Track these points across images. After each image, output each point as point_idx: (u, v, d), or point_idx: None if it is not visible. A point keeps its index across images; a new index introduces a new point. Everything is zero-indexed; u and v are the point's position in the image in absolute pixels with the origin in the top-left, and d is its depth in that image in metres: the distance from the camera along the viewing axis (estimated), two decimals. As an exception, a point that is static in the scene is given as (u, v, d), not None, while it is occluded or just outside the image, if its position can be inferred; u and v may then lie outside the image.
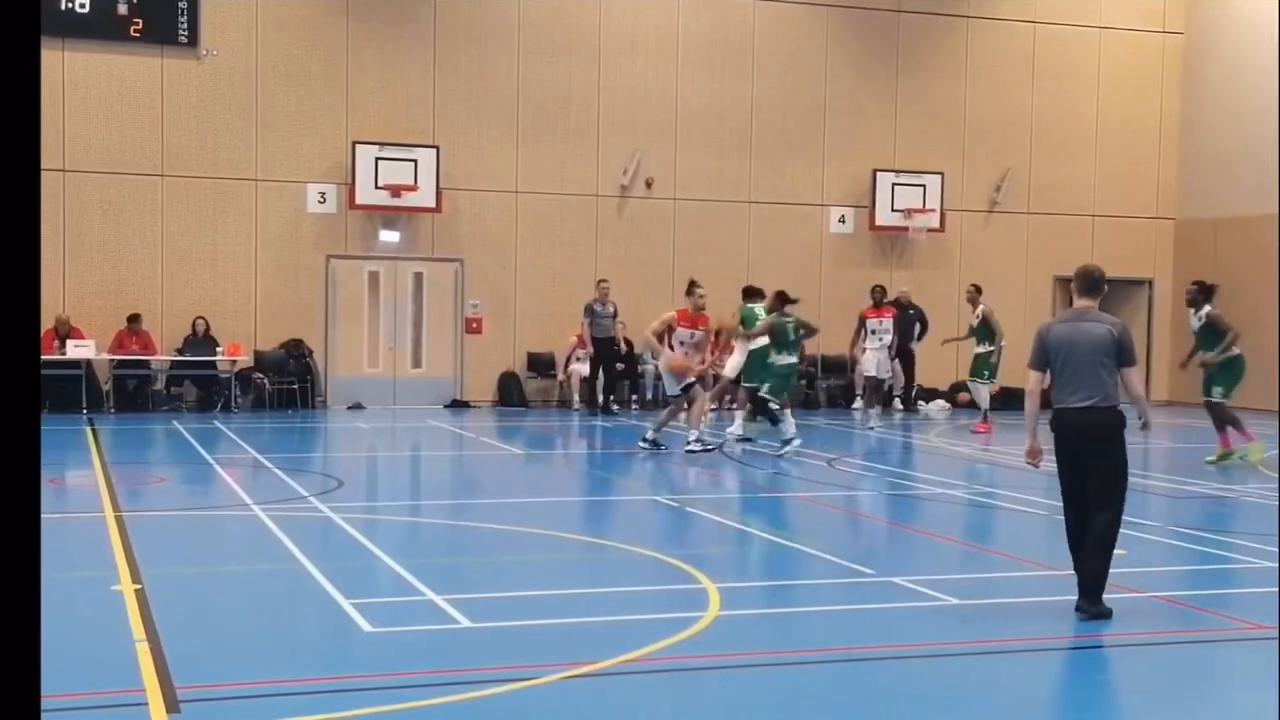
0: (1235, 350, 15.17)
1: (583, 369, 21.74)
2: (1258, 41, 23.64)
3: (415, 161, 21.24)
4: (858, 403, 21.23)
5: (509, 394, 22.08)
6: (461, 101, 21.93)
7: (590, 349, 21.19)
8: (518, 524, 10.57)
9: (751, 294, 16.99)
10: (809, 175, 23.48)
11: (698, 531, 10.83)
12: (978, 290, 19.47)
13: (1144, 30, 24.87)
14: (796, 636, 7.04)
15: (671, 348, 15.51)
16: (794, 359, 16.33)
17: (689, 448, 15.16)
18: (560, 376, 22.33)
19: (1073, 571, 7.50)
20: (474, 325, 22.25)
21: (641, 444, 15.64)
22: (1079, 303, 7.61)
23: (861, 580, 8.56)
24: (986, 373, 19.02)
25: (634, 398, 22.39)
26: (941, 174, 23.63)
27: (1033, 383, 7.55)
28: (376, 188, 20.95)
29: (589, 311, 20.93)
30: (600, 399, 21.07)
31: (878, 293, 20.35)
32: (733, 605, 7.58)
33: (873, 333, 20.01)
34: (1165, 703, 6.17)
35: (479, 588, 8.25)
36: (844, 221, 23.69)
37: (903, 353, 21.37)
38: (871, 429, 18.96)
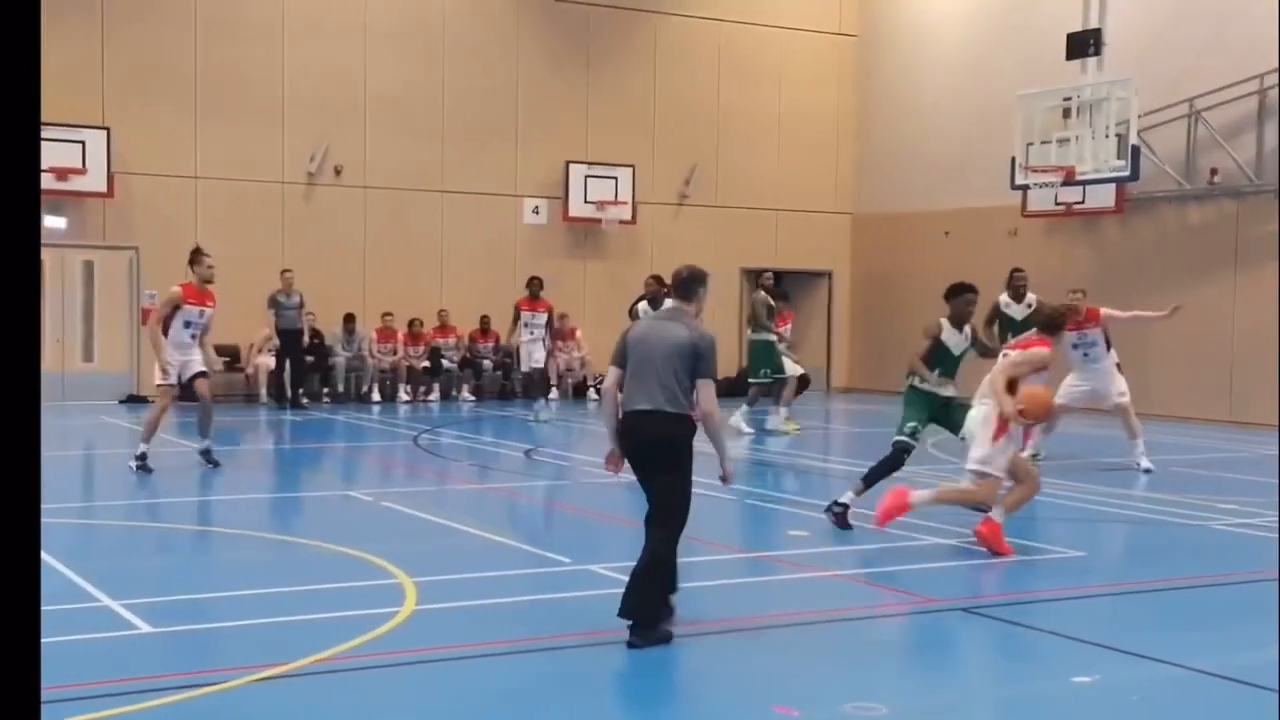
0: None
1: (269, 361, 21.05)
2: (924, 44, 25.04)
3: (83, 143, 20.04)
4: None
5: (190, 388, 21.08)
6: (133, 81, 20.83)
7: (276, 341, 20.55)
8: (201, 523, 10.09)
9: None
10: (502, 165, 23.42)
11: (393, 526, 10.59)
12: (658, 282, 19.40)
13: (822, 31, 25.93)
14: (494, 628, 6.94)
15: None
16: None
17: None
18: (247, 370, 21.53)
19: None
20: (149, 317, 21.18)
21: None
22: (669, 303, 7.07)
23: (559, 569, 8.55)
24: None
25: (325, 390, 21.82)
26: (633, 166, 23.99)
27: (609, 380, 6.85)
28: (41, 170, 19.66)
29: (273, 303, 20.27)
30: (289, 392, 20.46)
31: (534, 284, 19.07)
32: (430, 599, 7.42)
33: (526, 325, 18.83)
34: (860, 674, 6.38)
35: (159, 591, 7.81)
36: (538, 212, 23.75)
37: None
38: (545, 421, 18.68)
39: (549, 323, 19.13)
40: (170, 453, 15.09)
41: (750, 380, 18.09)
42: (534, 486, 12.84)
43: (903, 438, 10.06)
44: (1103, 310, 14.31)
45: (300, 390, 20.67)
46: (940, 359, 10.10)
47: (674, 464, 6.64)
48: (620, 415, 6.75)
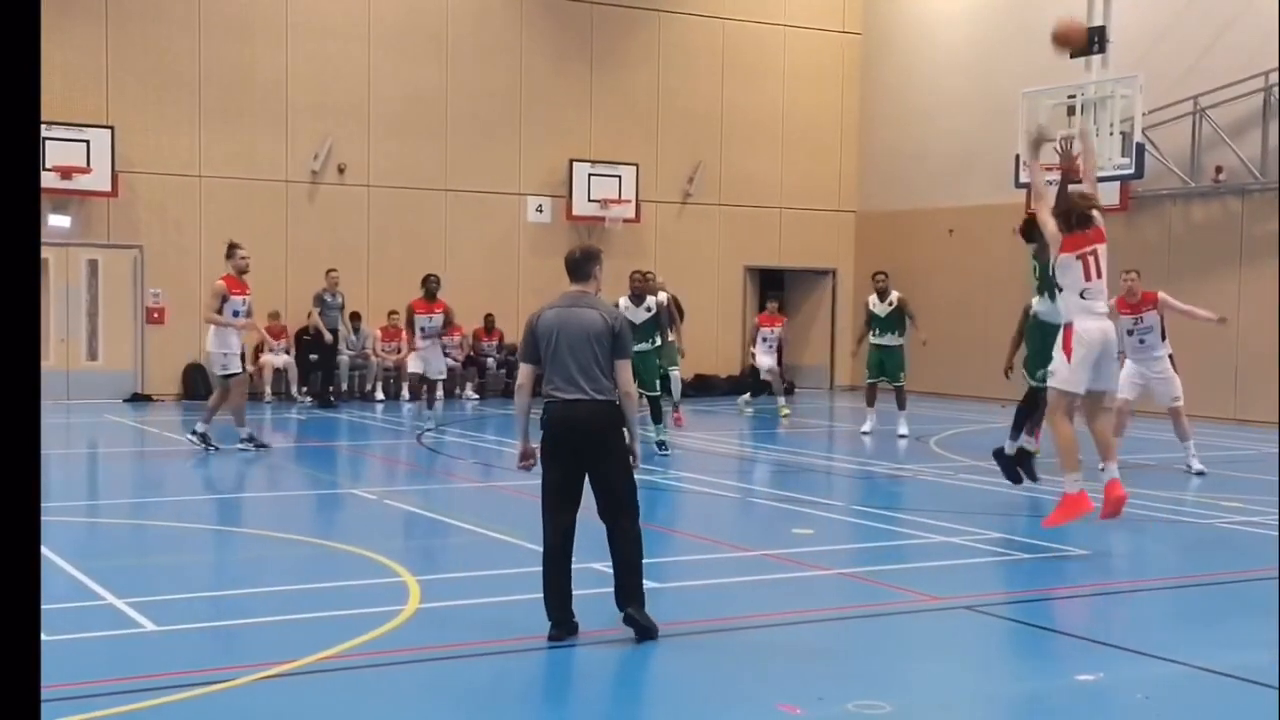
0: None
1: (275, 360, 21.10)
2: (928, 42, 25.03)
3: (88, 142, 20.07)
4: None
5: (194, 387, 21.15)
6: (138, 80, 20.85)
7: (288, 340, 20.77)
8: (206, 522, 10.10)
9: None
10: (505, 164, 23.42)
11: (396, 524, 10.60)
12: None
13: (825, 30, 25.91)
14: (498, 627, 6.94)
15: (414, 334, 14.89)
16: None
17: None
18: (250, 368, 21.54)
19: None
20: (155, 315, 21.21)
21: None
22: (570, 288, 6.89)
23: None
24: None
25: (329, 389, 21.83)
26: (636, 165, 23.97)
27: (523, 376, 6.74)
28: (45, 169, 19.66)
29: (319, 301, 20.69)
30: (320, 390, 20.85)
31: (431, 283, 17.78)
32: (433, 598, 7.43)
33: (422, 329, 17.66)
34: (864, 672, 6.38)
35: (164, 589, 7.81)
36: (541, 211, 23.75)
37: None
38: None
39: (447, 323, 18.03)
40: (171, 452, 15.10)
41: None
42: (536, 485, 12.83)
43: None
44: (1160, 294, 13.73)
45: (330, 388, 20.88)
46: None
47: (611, 450, 6.56)
48: (545, 408, 6.61)
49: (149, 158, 20.91)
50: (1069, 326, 9.01)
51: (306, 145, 21.95)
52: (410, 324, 17.89)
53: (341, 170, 22.24)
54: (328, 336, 20.65)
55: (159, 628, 6.73)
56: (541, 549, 6.60)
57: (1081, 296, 8.99)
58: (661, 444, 14.54)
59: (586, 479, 6.61)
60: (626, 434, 6.65)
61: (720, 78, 25.08)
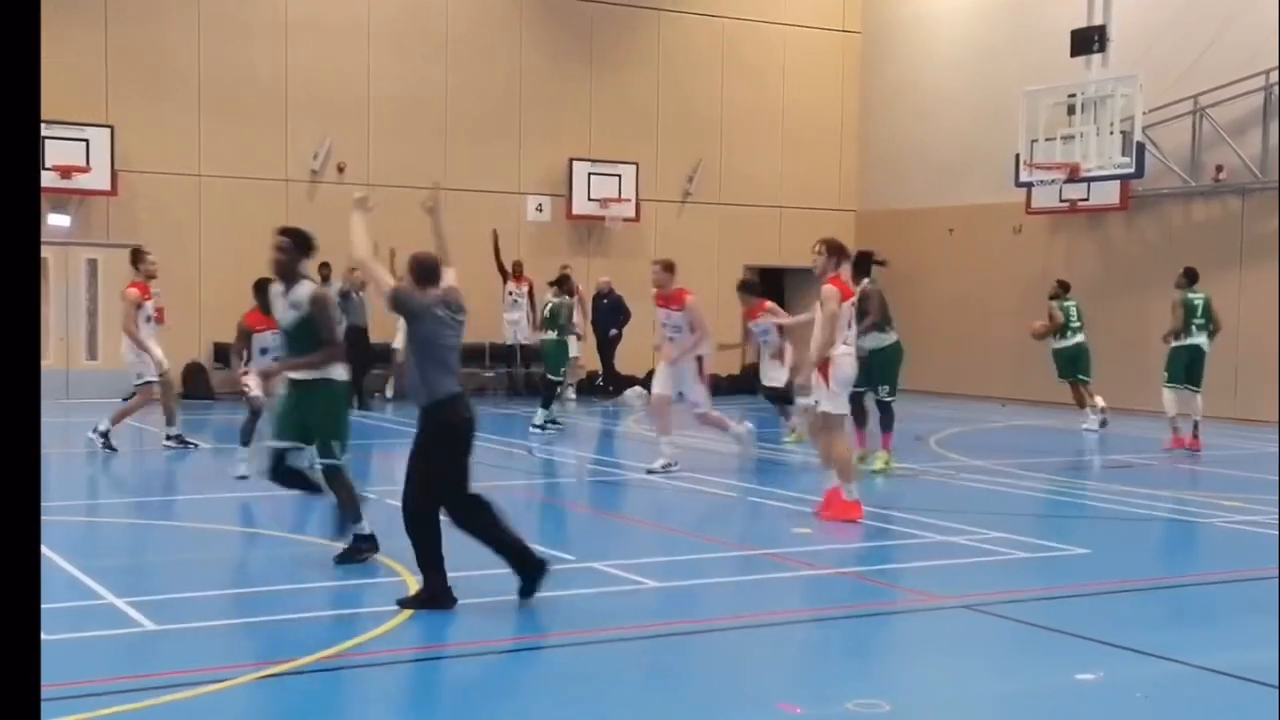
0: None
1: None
2: (928, 41, 25.02)
3: (87, 141, 20.06)
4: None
5: (195, 385, 21.16)
6: (138, 79, 20.85)
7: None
8: (205, 521, 10.09)
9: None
10: (505, 163, 23.41)
11: (395, 523, 10.57)
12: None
13: (825, 29, 25.89)
14: (498, 626, 6.94)
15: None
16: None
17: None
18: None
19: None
20: (155, 314, 21.16)
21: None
22: (439, 290, 7.40)
23: (562, 567, 8.54)
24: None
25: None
26: (636, 164, 23.96)
27: (387, 277, 7.77)
28: (45, 168, 19.66)
29: (344, 297, 20.33)
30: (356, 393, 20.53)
31: (261, 291, 17.92)
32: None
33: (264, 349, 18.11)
34: (864, 671, 6.38)
35: (163, 588, 7.81)
36: (541, 210, 23.74)
37: (603, 341, 21.71)
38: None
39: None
40: (170, 451, 15.11)
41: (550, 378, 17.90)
42: (536, 484, 12.84)
43: None
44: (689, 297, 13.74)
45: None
46: None
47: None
48: (436, 400, 7.14)
49: (149, 157, 20.91)
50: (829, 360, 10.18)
51: (306, 144, 21.95)
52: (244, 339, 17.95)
53: (341, 169, 22.23)
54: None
55: (159, 627, 6.72)
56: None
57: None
58: (539, 426, 16.55)
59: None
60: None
61: (720, 77, 25.07)
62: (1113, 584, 8.38)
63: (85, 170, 20.00)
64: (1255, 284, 19.41)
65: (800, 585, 8.27)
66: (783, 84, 25.58)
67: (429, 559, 7.05)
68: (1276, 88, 19.21)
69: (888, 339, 13.58)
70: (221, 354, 21.59)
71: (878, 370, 13.39)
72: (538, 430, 16.74)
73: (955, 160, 23.94)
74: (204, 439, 16.74)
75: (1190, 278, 15.84)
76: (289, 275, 8.27)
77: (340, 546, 8.36)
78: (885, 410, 13.42)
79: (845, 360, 10.28)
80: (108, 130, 20.28)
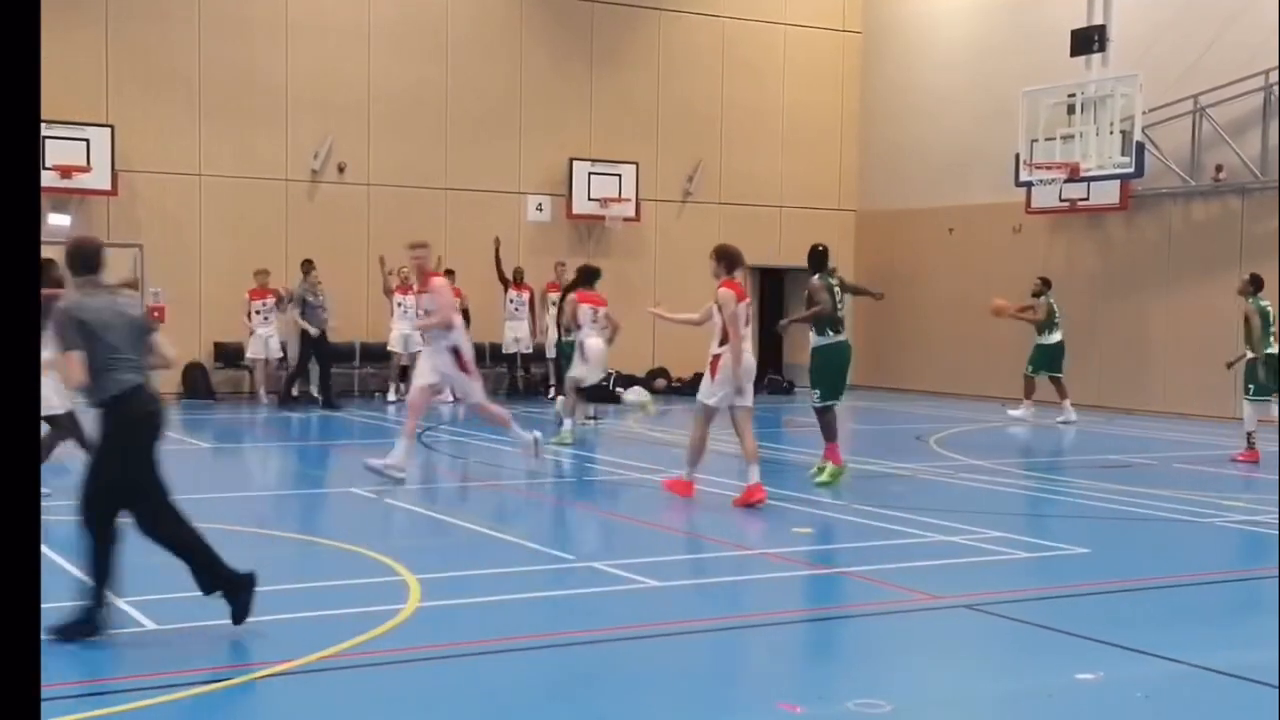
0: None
1: (269, 344, 21.15)
2: (928, 41, 25.02)
3: (87, 141, 20.07)
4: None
5: (195, 386, 21.16)
6: (138, 79, 20.86)
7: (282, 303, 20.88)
8: (205, 520, 10.07)
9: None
10: (506, 162, 23.41)
11: (397, 523, 10.60)
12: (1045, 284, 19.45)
13: (825, 29, 25.89)
14: (498, 625, 6.94)
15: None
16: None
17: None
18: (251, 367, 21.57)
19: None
20: (156, 314, 21.18)
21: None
22: (95, 281, 6.89)
23: (562, 566, 8.55)
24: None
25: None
26: (636, 164, 23.96)
27: (80, 365, 6.56)
28: (45, 168, 19.67)
29: (300, 303, 20.49)
30: (317, 393, 20.62)
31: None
32: (434, 596, 7.43)
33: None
34: (864, 671, 6.38)
35: (164, 588, 7.80)
36: (541, 209, 23.75)
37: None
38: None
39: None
40: (169, 451, 15.09)
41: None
42: (537, 484, 12.83)
43: None
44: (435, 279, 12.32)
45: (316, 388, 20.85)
46: None
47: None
48: (109, 396, 6.75)
49: (149, 156, 20.91)
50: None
51: (307, 144, 21.95)
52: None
53: (341, 169, 22.24)
54: (313, 332, 20.30)
55: (159, 626, 6.73)
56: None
57: None
58: (591, 417, 17.43)
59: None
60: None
61: (720, 77, 25.07)
62: (1112, 584, 8.38)
63: (85, 170, 20.00)
64: (1255, 284, 19.39)
65: (800, 585, 8.28)
66: (783, 84, 25.59)
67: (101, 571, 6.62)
68: (1276, 88, 19.21)
69: (827, 340, 12.79)
70: (222, 354, 21.60)
71: (814, 372, 12.74)
72: (590, 422, 17.73)
73: (955, 160, 23.95)
74: (204, 439, 16.76)
75: (1256, 284, 14.97)
76: None
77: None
78: (820, 416, 12.49)
79: (735, 359, 10.81)
80: (108, 130, 20.28)
